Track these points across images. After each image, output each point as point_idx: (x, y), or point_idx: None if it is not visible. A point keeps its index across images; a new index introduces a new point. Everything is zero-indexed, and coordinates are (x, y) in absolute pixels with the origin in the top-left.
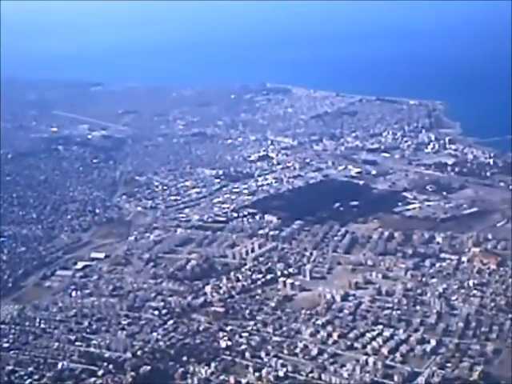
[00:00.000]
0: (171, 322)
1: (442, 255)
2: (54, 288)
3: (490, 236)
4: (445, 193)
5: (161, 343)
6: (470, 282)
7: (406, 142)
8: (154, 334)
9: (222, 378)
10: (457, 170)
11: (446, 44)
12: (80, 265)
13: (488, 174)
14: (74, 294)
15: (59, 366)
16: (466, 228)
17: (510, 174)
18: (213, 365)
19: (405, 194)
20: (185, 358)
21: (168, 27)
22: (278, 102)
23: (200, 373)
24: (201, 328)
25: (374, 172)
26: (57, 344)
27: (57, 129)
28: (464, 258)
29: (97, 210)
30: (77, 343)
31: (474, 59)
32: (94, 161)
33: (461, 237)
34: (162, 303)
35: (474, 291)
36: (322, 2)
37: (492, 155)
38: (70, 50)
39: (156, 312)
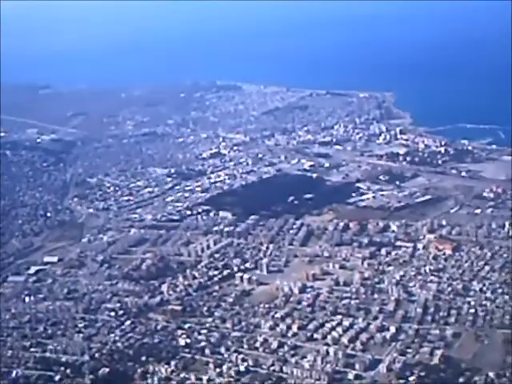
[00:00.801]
0: (128, 322)
1: (398, 243)
2: (6, 294)
3: (444, 222)
4: (398, 182)
5: (119, 344)
6: (427, 269)
7: (358, 133)
8: (112, 335)
9: (182, 375)
10: (409, 159)
11: (391, 34)
12: (33, 269)
13: (440, 162)
14: (27, 299)
15: (13, 374)
16: (420, 215)
17: (461, 161)
18: (173, 363)
19: (358, 184)
20: (144, 358)
21: (116, 28)
22: (228, 98)
23: (160, 372)
24: (159, 327)
25: (326, 165)
26: (10, 352)
27: (4, 133)
28: (419, 245)
29: (48, 214)
30: (32, 349)
31: (419, 48)
32: (44, 164)
33: (415, 224)
34: (118, 304)
35: (431, 277)
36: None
37: (443, 143)
38: (17, 52)
39: (112, 313)
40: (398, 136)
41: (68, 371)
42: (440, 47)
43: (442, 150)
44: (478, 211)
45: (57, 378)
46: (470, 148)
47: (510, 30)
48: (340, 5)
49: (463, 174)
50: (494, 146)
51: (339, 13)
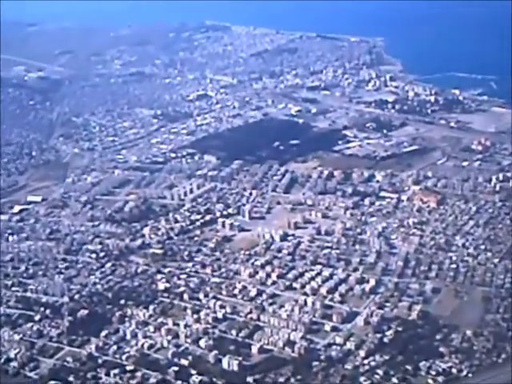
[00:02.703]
0: (109, 264)
1: (382, 194)
2: None
3: (430, 174)
4: (385, 131)
5: (98, 286)
6: (410, 221)
7: (347, 79)
8: (92, 277)
9: (160, 320)
10: (397, 107)
11: None
12: (16, 209)
13: (429, 111)
14: (10, 238)
15: None
16: (406, 166)
17: (451, 111)
18: (151, 307)
19: (345, 132)
20: (123, 301)
21: None
22: (217, 39)
23: (138, 316)
24: (139, 270)
25: (314, 110)
26: None
27: None
28: (404, 197)
29: (33, 153)
30: (13, 288)
31: None
32: (31, 102)
33: (401, 175)
34: (99, 246)
35: (414, 230)
36: None
37: (433, 92)
38: None
39: (93, 255)
40: (388, 83)
41: (48, 312)
42: None
43: (432, 98)
44: (465, 164)
45: (37, 317)
46: (460, 98)
47: None
48: None
49: (452, 124)
50: (484, 97)
51: None
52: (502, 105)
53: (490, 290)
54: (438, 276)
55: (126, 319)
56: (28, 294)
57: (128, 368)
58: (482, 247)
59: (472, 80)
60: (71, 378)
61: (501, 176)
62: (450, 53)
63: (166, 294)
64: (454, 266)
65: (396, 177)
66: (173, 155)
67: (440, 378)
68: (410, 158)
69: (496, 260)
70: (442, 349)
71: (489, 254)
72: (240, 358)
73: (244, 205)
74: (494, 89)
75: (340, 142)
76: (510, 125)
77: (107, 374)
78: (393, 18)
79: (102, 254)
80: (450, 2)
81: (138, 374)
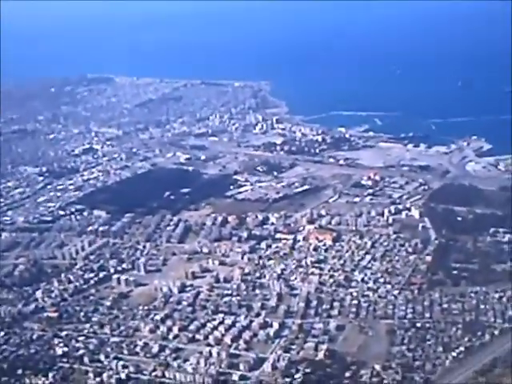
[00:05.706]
0: (1, 333)
1: (278, 236)
2: None
3: (323, 212)
4: (276, 173)
5: None
6: (308, 261)
7: (234, 124)
8: None
9: None
10: (286, 149)
11: (265, 27)
12: None
13: (317, 150)
14: None
15: None
16: (299, 206)
17: (339, 149)
18: (50, 374)
19: (236, 176)
20: (20, 371)
21: None
22: (100, 92)
23: None
24: (34, 336)
25: (203, 157)
26: None
27: None
28: (299, 237)
29: None
30: None
31: (293, 39)
32: None
33: (295, 215)
34: None
35: (312, 269)
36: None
37: (320, 132)
38: None
39: None
40: (275, 125)
41: None
42: (312, 37)
43: (319, 138)
44: (357, 199)
45: None
46: (346, 136)
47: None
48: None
49: (341, 162)
50: (370, 133)
51: (214, 6)
52: (387, 140)
53: (393, 322)
54: (340, 313)
55: None
56: None
57: None
58: (381, 280)
59: (357, 117)
60: None
61: (392, 209)
62: (334, 92)
63: (64, 359)
64: (355, 301)
65: (290, 218)
66: (61, 213)
67: None
68: (303, 198)
69: (396, 292)
70: None
71: (388, 287)
72: None
73: (138, 258)
74: (379, 125)
75: (232, 187)
76: (398, 158)
77: None
78: (275, 61)
79: None
80: (329, 43)
81: None
